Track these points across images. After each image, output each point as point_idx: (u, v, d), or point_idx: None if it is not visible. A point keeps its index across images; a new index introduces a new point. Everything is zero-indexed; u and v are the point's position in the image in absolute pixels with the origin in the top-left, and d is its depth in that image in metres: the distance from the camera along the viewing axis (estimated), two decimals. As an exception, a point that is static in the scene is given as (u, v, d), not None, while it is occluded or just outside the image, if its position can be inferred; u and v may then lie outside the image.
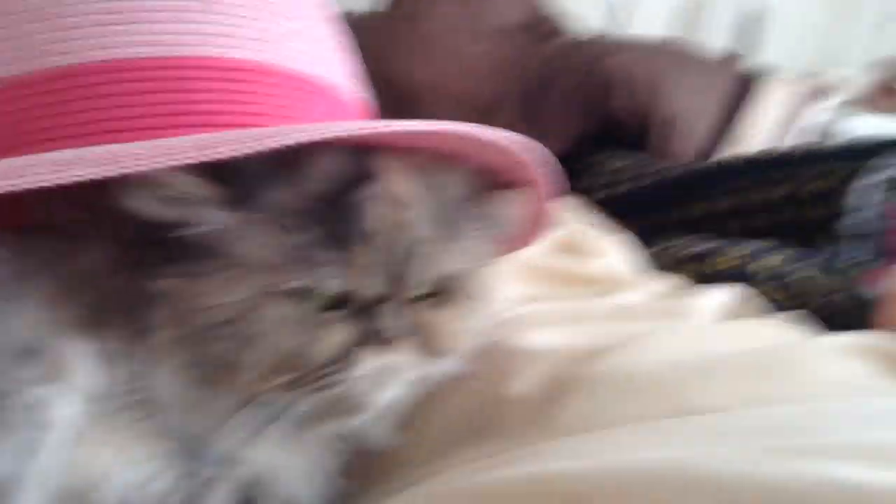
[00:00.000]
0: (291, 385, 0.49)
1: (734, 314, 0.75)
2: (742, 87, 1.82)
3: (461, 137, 0.51)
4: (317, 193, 0.48)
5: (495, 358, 0.60)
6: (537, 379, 0.58)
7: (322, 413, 0.51)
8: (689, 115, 1.72)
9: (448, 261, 0.52)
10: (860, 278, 1.15)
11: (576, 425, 0.52)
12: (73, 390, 0.46)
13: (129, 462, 0.48)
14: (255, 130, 0.47)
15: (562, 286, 0.82)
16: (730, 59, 2.19)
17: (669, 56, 1.87)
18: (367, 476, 0.57)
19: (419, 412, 0.58)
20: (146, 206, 0.47)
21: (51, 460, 0.45)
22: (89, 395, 0.47)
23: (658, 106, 1.69)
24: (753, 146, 1.71)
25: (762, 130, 1.74)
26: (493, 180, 0.57)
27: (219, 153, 0.44)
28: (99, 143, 0.49)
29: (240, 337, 0.47)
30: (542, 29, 1.97)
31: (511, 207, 0.58)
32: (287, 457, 0.52)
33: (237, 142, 0.45)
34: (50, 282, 0.48)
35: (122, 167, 0.43)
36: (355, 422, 0.54)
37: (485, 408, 0.57)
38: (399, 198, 0.50)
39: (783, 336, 0.65)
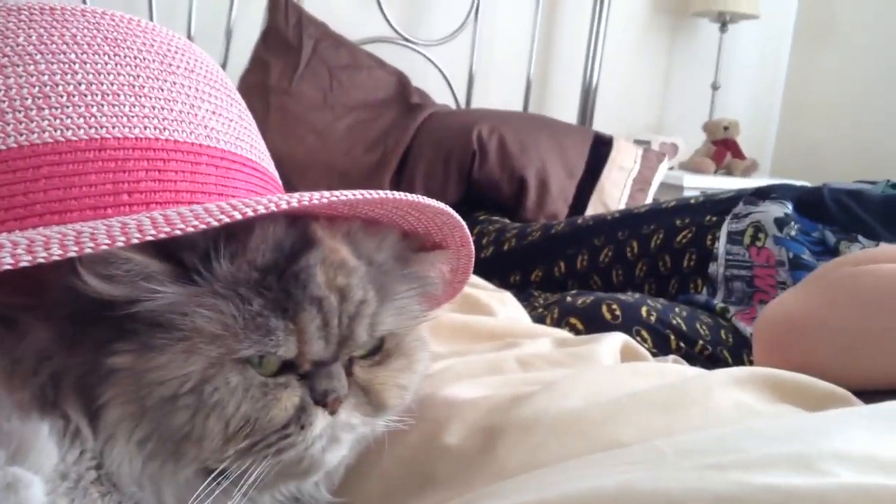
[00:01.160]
0: (248, 451, 0.50)
1: (630, 357, 0.82)
2: (598, 149, 1.96)
3: (401, 203, 0.55)
4: (263, 263, 0.50)
5: (427, 412, 0.63)
6: (468, 429, 0.61)
7: (277, 477, 0.52)
8: (558, 175, 1.83)
9: (385, 321, 0.55)
10: (736, 316, 1.26)
11: (512, 469, 0.55)
12: (41, 470, 0.45)
13: None
14: (205, 206, 0.48)
15: (470, 341, 0.87)
16: (580, 125, 2.35)
17: (532, 122, 1.99)
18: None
19: (359, 469, 0.60)
20: (96, 284, 0.47)
21: None
22: (55, 473, 0.46)
23: (531, 168, 1.79)
24: (617, 202, 1.84)
25: (622, 187, 1.87)
26: (417, 243, 0.61)
27: (178, 229, 0.45)
28: (42, 224, 0.49)
29: (195, 408, 0.48)
30: (408, 102, 2.04)
31: (435, 267, 0.62)
32: None
33: (192, 218, 0.46)
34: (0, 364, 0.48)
35: (86, 246, 0.43)
36: (307, 483, 0.55)
37: (421, 459, 0.60)
38: (342, 263, 0.53)
39: (681, 373, 0.71)
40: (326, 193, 0.50)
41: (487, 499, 0.49)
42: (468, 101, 2.51)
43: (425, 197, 0.56)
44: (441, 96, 2.29)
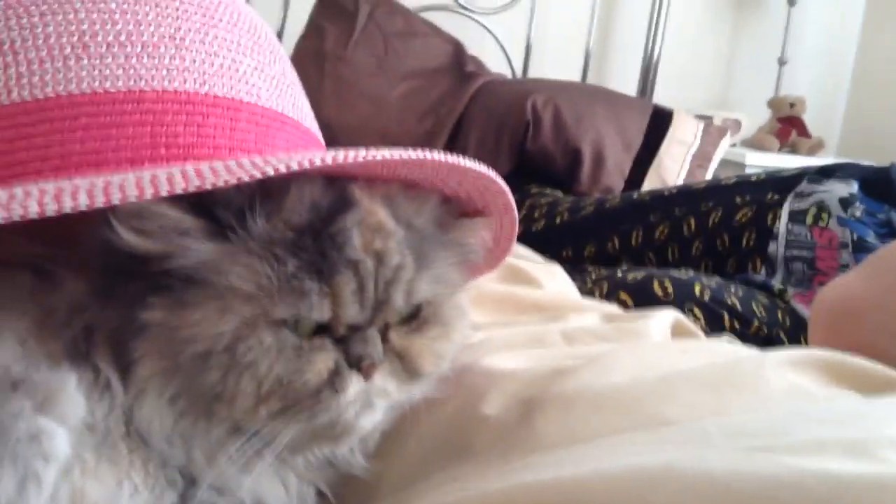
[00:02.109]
0: (280, 414, 0.49)
1: (681, 334, 0.79)
2: (657, 123, 1.91)
3: (441, 165, 0.53)
4: (299, 223, 0.49)
5: (465, 381, 0.62)
6: (507, 400, 0.59)
7: (310, 440, 0.51)
8: (615, 148, 1.79)
9: (423, 288, 0.53)
10: (795, 298, 1.22)
11: (550, 443, 0.53)
12: (67, 421, 0.45)
13: (129, 492, 0.47)
14: (239, 160, 0.47)
15: (514, 313, 0.85)
16: (640, 98, 2.30)
17: (589, 94, 1.95)
18: (349, 502, 0.57)
19: (395, 436, 0.59)
20: (129, 238, 0.47)
21: (53, 492, 0.44)
22: (83, 425, 0.46)
23: (587, 141, 1.75)
24: (675, 177, 1.79)
25: (681, 162, 1.82)
26: (458, 209, 0.59)
27: (210, 183, 0.44)
28: (78, 175, 0.48)
29: (227, 367, 0.47)
30: (463, 71, 2.01)
31: (476, 234, 0.60)
32: (276, 485, 0.52)
33: (224, 172, 0.45)
34: (29, 315, 0.48)
35: (114, 197, 0.43)
36: (341, 448, 0.54)
37: (459, 430, 0.59)
38: (380, 226, 0.51)
39: (734, 352, 0.68)
40: (363, 151, 0.49)
41: (523, 471, 0.48)
42: (525, 72, 2.46)
43: (466, 159, 0.54)
44: (497, 67, 2.26)
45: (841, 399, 0.57)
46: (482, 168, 0.55)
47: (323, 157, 0.47)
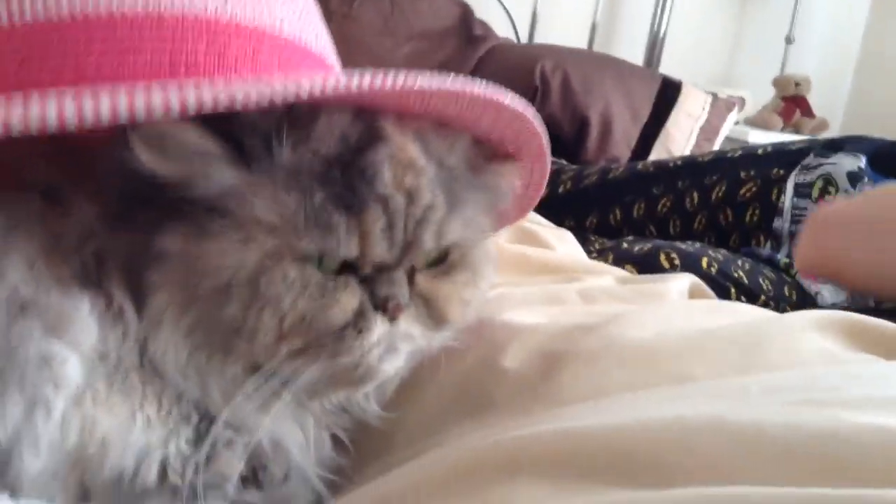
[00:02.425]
0: (300, 353, 0.47)
1: (700, 298, 0.77)
2: (666, 94, 1.88)
3: (478, 99, 0.50)
4: (328, 154, 0.46)
5: (484, 334, 0.60)
6: (528, 354, 0.58)
7: (329, 383, 0.49)
8: (623, 117, 1.77)
9: (454, 230, 0.51)
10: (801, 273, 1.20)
11: (573, 397, 0.52)
12: (79, 347, 0.43)
13: (142, 424, 0.45)
14: (268, 79, 0.44)
15: (528, 273, 0.83)
16: (648, 68, 2.27)
17: (598, 62, 1.92)
18: (364, 450, 0.55)
19: (412, 386, 0.57)
20: (148, 160, 0.44)
21: (63, 419, 0.42)
22: (95, 353, 0.44)
23: (595, 109, 1.73)
24: (682, 150, 1.77)
25: (689, 134, 1.80)
26: (487, 151, 0.57)
27: (238, 95, 0.41)
28: None
29: (248, 300, 0.45)
30: (470, 34, 1.98)
31: (508, 179, 0.58)
32: (293, 427, 0.51)
33: (252, 89, 0.42)
34: (38, 239, 0.45)
35: (138, 104, 0.40)
36: (360, 393, 0.52)
37: (478, 383, 0.57)
38: (411, 162, 0.49)
39: (758, 313, 0.67)
40: (401, 78, 0.46)
41: (554, 421, 0.46)
42: (530, 41, 2.43)
43: (507, 91, 0.52)
44: (503, 36, 2.22)
45: (869, 362, 0.55)
46: (520, 105, 0.53)
47: (360, 81, 0.45)
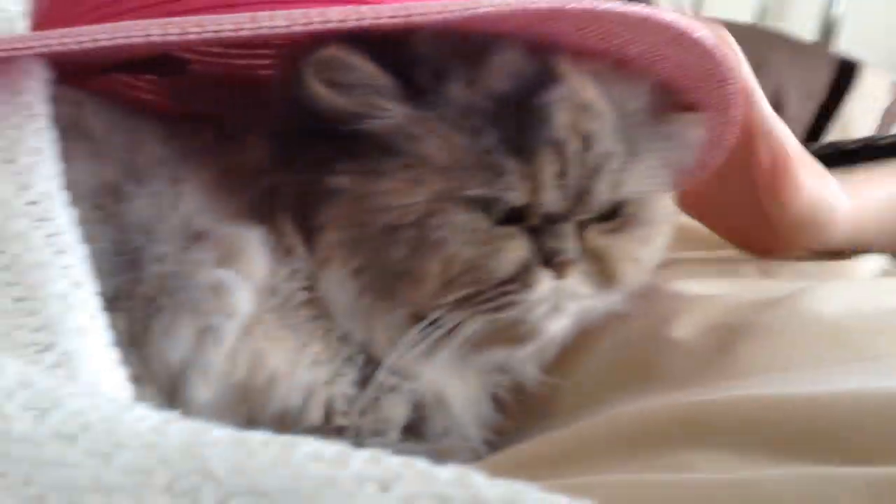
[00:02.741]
0: (464, 303, 0.45)
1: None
2: (842, 73, 1.75)
3: (668, 31, 0.46)
4: (500, 93, 0.44)
5: (651, 301, 0.56)
6: (701, 325, 0.53)
7: (492, 338, 0.47)
8: (795, 97, 1.66)
9: (631, 182, 0.47)
10: None
11: (752, 371, 0.48)
12: (251, 277, 0.43)
13: (308, 361, 0.45)
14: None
15: (702, 246, 0.78)
16: (822, 46, 2.12)
17: (769, 39, 1.81)
18: (521, 413, 0.53)
19: (573, 351, 0.54)
20: (322, 92, 0.43)
21: (232, 350, 0.42)
22: (264, 285, 0.44)
23: (763, 87, 1.63)
24: (860, 132, 1.65)
25: (868, 117, 1.67)
26: (669, 98, 0.52)
27: (416, 15, 0.40)
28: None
29: (415, 243, 0.44)
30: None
31: (693, 131, 0.52)
32: (455, 381, 0.49)
33: (437, 5, 0.40)
34: (209, 170, 0.46)
35: (307, 22, 0.39)
36: (522, 352, 0.50)
37: (644, 352, 0.53)
38: (587, 105, 0.46)
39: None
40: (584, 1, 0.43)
41: (736, 390, 0.42)
42: (694, 11, 2.32)
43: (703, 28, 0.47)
44: (665, 5, 2.13)
45: None
46: (711, 41, 0.48)
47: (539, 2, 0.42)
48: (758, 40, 1.76)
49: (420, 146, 0.44)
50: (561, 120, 0.44)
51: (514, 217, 0.45)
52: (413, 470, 0.23)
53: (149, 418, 0.26)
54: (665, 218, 0.52)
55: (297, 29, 0.40)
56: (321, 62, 0.43)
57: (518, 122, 0.44)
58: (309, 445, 0.24)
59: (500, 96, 0.44)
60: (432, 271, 0.44)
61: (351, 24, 0.40)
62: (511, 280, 0.45)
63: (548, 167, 0.44)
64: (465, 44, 0.44)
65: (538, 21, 0.44)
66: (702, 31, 0.47)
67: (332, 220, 0.45)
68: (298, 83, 0.44)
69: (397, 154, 0.44)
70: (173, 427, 0.26)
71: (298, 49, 0.46)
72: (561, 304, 0.47)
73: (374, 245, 0.44)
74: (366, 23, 0.40)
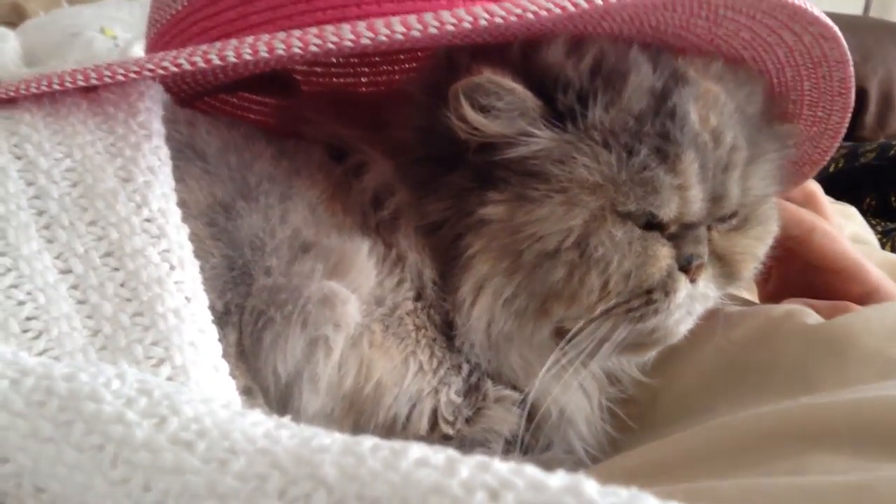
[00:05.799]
0: (609, 312, 0.45)
1: None
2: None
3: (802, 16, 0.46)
4: (639, 111, 0.44)
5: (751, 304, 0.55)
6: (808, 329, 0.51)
7: (626, 346, 0.47)
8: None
9: (756, 182, 0.48)
10: None
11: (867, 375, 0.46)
12: (359, 288, 0.44)
13: (415, 370, 0.45)
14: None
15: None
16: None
17: (878, 29, 1.73)
18: (624, 423, 0.52)
19: (675, 351, 0.53)
20: (472, 116, 0.44)
21: (341, 360, 0.43)
22: (371, 296, 0.45)
23: (874, 81, 1.56)
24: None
25: None
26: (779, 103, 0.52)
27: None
28: None
29: (575, 263, 0.44)
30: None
31: (796, 129, 0.53)
32: (577, 395, 0.49)
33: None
34: (319, 186, 0.47)
35: (441, 24, 0.40)
36: (647, 356, 0.50)
37: (756, 350, 0.52)
38: (715, 101, 0.46)
39: None
40: None
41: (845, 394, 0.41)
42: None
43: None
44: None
45: None
46: (826, 19, 0.47)
47: None
48: (865, 31, 1.69)
49: (571, 168, 0.44)
50: (693, 118, 0.45)
51: (652, 225, 0.46)
52: (524, 478, 0.23)
53: (262, 424, 0.27)
54: (775, 215, 0.52)
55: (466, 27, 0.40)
56: (475, 87, 0.43)
57: (657, 128, 0.44)
58: (418, 451, 0.24)
59: (640, 112, 0.44)
60: (592, 287, 0.44)
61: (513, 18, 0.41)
62: (655, 288, 0.45)
63: (690, 165, 0.44)
64: (600, 61, 0.44)
65: (652, 10, 0.44)
66: (818, 10, 0.47)
67: (482, 249, 0.45)
68: (439, 108, 0.44)
69: (546, 179, 0.44)
70: (285, 432, 0.26)
71: (433, 75, 0.48)
72: (692, 306, 0.47)
73: (529, 271, 0.44)
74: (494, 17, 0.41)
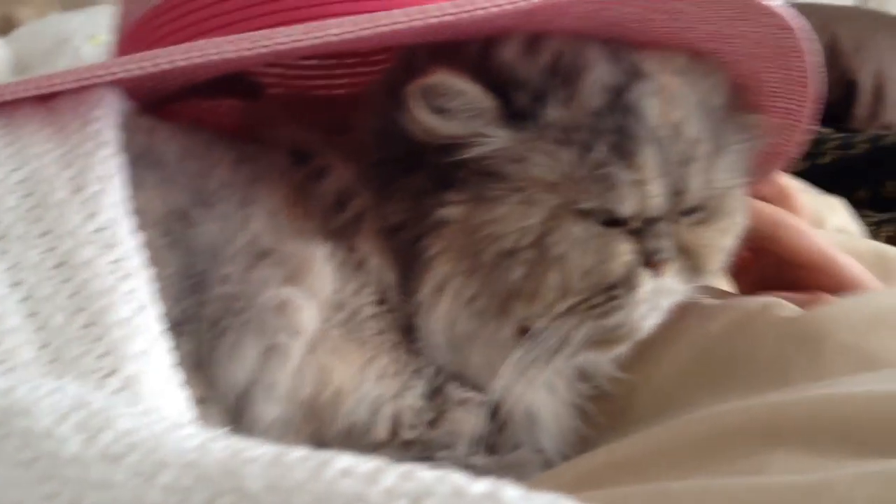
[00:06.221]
0: (571, 311, 0.45)
1: None
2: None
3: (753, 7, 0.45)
4: (596, 107, 0.44)
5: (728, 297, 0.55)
6: (787, 323, 0.51)
7: (591, 343, 0.47)
8: (896, 80, 1.58)
9: (720, 175, 0.47)
10: None
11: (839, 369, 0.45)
12: (316, 294, 0.43)
13: (375, 375, 0.45)
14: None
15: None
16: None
17: (871, 20, 1.73)
18: (597, 420, 0.52)
19: (650, 346, 0.52)
20: (426, 118, 0.44)
21: (298, 368, 0.42)
22: (330, 301, 0.44)
23: (866, 71, 1.56)
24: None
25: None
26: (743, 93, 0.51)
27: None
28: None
29: (534, 262, 0.44)
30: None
31: (762, 119, 0.52)
32: (544, 394, 0.49)
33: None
34: (281, 192, 0.46)
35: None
36: (615, 352, 0.50)
37: (724, 351, 0.51)
38: (674, 96, 0.45)
39: None
40: None
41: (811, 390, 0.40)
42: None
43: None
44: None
45: None
46: (784, 10, 0.46)
47: None
48: (858, 22, 1.69)
49: (528, 167, 0.44)
50: (652, 112, 0.45)
51: (615, 220, 0.45)
52: (447, 484, 0.22)
53: (195, 437, 0.27)
54: (742, 207, 0.52)
55: (418, 24, 0.41)
56: (428, 88, 0.43)
57: (615, 126, 0.44)
58: (345, 461, 0.24)
59: (597, 109, 0.44)
60: (551, 286, 0.44)
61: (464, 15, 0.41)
62: (617, 284, 0.45)
63: (649, 160, 0.44)
64: (556, 59, 0.45)
65: (608, 4, 0.44)
66: (775, 2, 0.46)
67: (442, 251, 0.45)
68: (396, 110, 0.45)
69: (504, 178, 0.44)
70: (216, 445, 0.26)
71: (391, 76, 0.48)
72: (658, 301, 0.47)
73: (489, 271, 0.45)
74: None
